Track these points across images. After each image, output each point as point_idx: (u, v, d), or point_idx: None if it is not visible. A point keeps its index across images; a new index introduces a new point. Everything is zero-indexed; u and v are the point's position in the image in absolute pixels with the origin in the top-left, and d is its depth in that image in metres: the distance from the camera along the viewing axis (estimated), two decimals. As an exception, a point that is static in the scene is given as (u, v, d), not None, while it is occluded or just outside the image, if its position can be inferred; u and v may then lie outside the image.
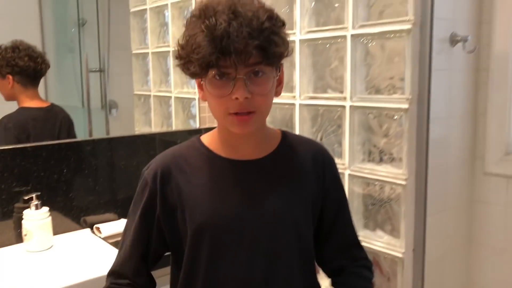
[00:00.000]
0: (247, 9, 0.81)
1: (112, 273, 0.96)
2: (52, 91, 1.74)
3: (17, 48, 1.63)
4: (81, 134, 1.78)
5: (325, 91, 1.76)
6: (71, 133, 1.78)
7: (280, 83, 0.91)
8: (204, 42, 0.78)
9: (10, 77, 1.63)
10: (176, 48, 0.86)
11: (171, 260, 0.99)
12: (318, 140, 1.82)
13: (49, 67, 1.70)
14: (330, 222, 1.00)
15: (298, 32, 1.76)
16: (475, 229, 2.06)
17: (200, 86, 0.89)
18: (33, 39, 1.65)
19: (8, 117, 1.63)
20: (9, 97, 1.64)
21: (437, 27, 1.54)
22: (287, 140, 0.99)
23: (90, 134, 1.81)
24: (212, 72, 0.81)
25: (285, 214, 0.92)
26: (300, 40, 1.76)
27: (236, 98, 0.81)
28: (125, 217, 1.67)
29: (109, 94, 1.90)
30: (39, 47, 1.68)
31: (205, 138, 0.97)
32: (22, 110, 1.66)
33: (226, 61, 0.78)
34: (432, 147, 1.55)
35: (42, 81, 1.69)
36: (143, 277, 0.96)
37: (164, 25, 2.14)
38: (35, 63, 1.66)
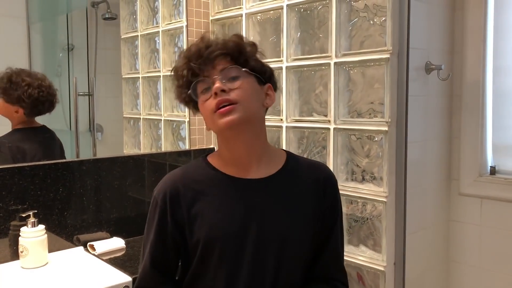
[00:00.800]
0: (220, 37, 1.00)
1: None
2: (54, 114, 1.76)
3: (42, 86, 1.66)
4: (68, 156, 1.82)
5: (310, 115, 1.86)
6: (62, 153, 1.82)
7: (270, 98, 1.03)
8: (185, 65, 0.99)
9: (21, 109, 1.66)
10: (174, 87, 1.04)
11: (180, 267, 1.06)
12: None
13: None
14: (321, 241, 1.05)
15: (285, 59, 1.86)
16: (452, 247, 2.12)
17: (205, 119, 1.01)
18: (20, 63, 1.69)
19: (3, 138, 1.66)
20: (6, 117, 1.67)
21: (413, 56, 1.66)
22: (292, 161, 1.06)
23: (78, 156, 1.84)
24: (199, 88, 0.98)
25: (288, 232, 0.98)
26: (286, 67, 1.87)
27: (215, 93, 0.94)
28: (117, 236, 1.73)
29: (96, 117, 1.92)
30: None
31: (211, 158, 1.05)
32: (16, 131, 1.69)
33: (203, 71, 0.96)
34: (410, 168, 1.64)
35: None
36: (168, 285, 1.02)
37: (155, 51, 2.22)
38: (52, 100, 1.72)
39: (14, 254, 1.52)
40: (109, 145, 2.10)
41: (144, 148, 2.21)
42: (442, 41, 2.01)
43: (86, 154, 1.88)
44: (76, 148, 1.86)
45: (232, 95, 0.94)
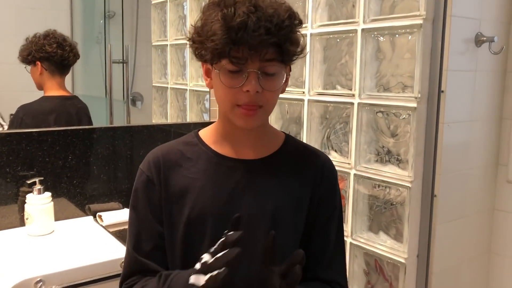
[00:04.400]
0: (268, 4, 0.80)
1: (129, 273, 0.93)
2: (78, 81, 1.78)
3: (48, 36, 1.67)
4: (103, 124, 1.81)
5: (334, 88, 1.70)
6: (87, 123, 1.79)
7: (286, 79, 0.89)
8: (220, 31, 0.77)
9: (39, 63, 1.66)
10: (190, 32, 0.86)
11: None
12: (325, 137, 1.76)
13: (78, 57, 1.73)
14: (315, 230, 0.94)
15: (310, 25, 1.71)
16: (495, 239, 1.95)
17: (207, 73, 0.88)
18: (63, 30, 1.69)
19: (26, 106, 1.66)
20: (39, 86, 1.69)
21: (461, 26, 1.48)
22: (290, 144, 0.96)
23: (112, 124, 1.83)
24: (225, 62, 0.80)
25: (280, 214, 0.90)
26: (311, 34, 1.71)
27: (247, 91, 0.80)
28: (128, 207, 1.69)
29: (134, 86, 1.92)
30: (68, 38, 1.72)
31: (204, 133, 0.96)
32: (43, 99, 1.69)
33: (240, 52, 0.78)
34: (448, 151, 1.47)
35: (70, 71, 1.72)
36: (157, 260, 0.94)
37: (183, 17, 2.14)
38: (63, 51, 1.68)
39: (22, 220, 1.52)
40: (148, 114, 2.10)
41: (171, 118, 2.16)
42: (496, 10, 1.78)
43: (121, 123, 1.87)
44: (110, 117, 1.85)
45: (262, 99, 0.82)
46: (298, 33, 0.83)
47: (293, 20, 0.82)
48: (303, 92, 1.76)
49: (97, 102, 1.85)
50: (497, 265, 1.95)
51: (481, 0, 1.66)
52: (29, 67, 1.66)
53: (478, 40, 1.68)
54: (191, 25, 0.85)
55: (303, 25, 1.71)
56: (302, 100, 1.77)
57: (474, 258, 1.89)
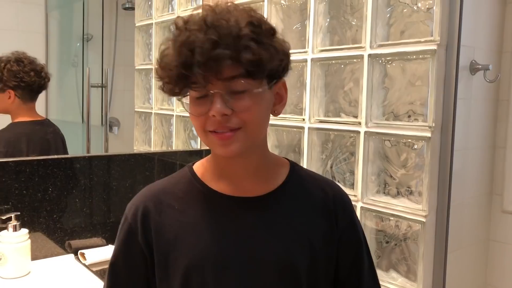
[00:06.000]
0: (223, 17, 0.69)
1: None
2: (53, 105, 1.68)
3: (21, 61, 1.54)
4: (79, 151, 1.69)
5: (337, 115, 1.62)
6: (63, 149, 1.67)
7: (280, 100, 0.78)
8: (171, 58, 0.70)
9: (12, 91, 1.53)
10: (155, 69, 0.75)
11: None
12: (328, 167, 1.67)
13: (49, 80, 1.62)
14: (345, 272, 0.85)
15: (311, 50, 1.64)
16: (490, 271, 1.90)
17: (196, 130, 0.78)
18: (37, 52, 1.60)
19: None
20: (4, 111, 1.55)
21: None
22: (296, 174, 0.85)
23: (88, 151, 1.71)
24: (191, 92, 0.72)
25: (284, 260, 0.78)
26: (312, 59, 1.64)
27: (213, 116, 0.70)
28: (113, 243, 1.55)
29: (112, 111, 1.83)
30: (42, 60, 1.62)
31: (198, 168, 0.84)
32: (13, 125, 1.56)
33: (196, 75, 0.68)
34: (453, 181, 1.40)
35: (43, 95, 1.61)
36: None
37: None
38: (39, 78, 1.58)
39: (-7, 261, 1.34)
40: (125, 140, 2.00)
41: (155, 145, 2.06)
42: (489, 38, 1.76)
43: (97, 149, 1.76)
44: (87, 143, 1.74)
45: (235, 121, 0.71)
46: (267, 42, 0.71)
47: (255, 28, 0.70)
48: (303, 119, 1.67)
49: (72, 127, 1.75)
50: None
51: (474, 27, 1.64)
52: None
53: (473, 68, 1.66)
54: (156, 61, 0.75)
55: (303, 50, 1.65)
56: (302, 128, 1.68)
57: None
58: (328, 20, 1.64)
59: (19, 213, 1.35)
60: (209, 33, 0.67)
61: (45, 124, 1.63)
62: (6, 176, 1.41)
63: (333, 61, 1.63)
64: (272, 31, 0.73)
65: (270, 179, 0.82)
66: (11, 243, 1.30)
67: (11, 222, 1.32)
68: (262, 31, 0.71)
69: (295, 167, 0.86)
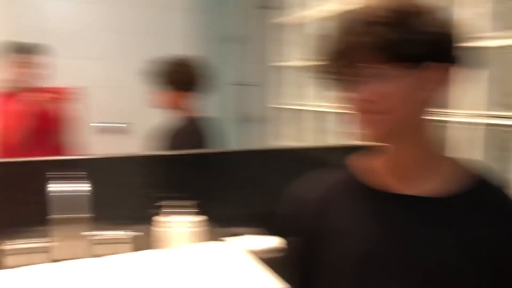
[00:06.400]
0: (377, 7, 0.71)
1: None
2: (206, 103, 1.83)
3: (188, 64, 1.76)
4: (231, 146, 1.88)
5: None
6: (214, 143, 1.82)
7: (435, 86, 0.73)
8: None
9: (185, 92, 1.75)
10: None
11: None
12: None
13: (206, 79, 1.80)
14: None
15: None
16: None
17: None
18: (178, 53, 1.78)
19: (185, 126, 1.74)
20: (175, 107, 1.75)
21: None
22: (485, 183, 0.79)
23: (240, 146, 1.92)
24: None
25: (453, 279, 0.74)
26: (484, 48, 1.47)
27: (358, 100, 0.74)
28: (271, 233, 1.61)
29: (264, 108, 1.99)
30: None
31: (360, 162, 0.84)
32: (185, 120, 1.75)
33: (345, 59, 0.73)
34: None
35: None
36: None
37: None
38: (201, 78, 1.77)
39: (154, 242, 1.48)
40: (269, 135, 2.10)
41: (307, 141, 2.14)
42: None
43: (247, 144, 1.96)
44: (239, 138, 1.94)
45: (378, 106, 0.73)
46: (410, 24, 0.69)
47: (400, 14, 0.69)
48: (472, 115, 1.51)
49: (226, 124, 1.88)
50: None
51: None
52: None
53: None
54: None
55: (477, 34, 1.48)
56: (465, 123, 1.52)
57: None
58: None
59: (191, 201, 1.47)
60: (356, 21, 0.72)
61: (204, 120, 1.79)
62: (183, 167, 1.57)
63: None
64: (419, 14, 0.70)
65: (443, 179, 0.77)
66: (177, 227, 1.44)
67: (180, 208, 1.45)
68: (407, 16, 0.70)
69: (481, 173, 0.80)
